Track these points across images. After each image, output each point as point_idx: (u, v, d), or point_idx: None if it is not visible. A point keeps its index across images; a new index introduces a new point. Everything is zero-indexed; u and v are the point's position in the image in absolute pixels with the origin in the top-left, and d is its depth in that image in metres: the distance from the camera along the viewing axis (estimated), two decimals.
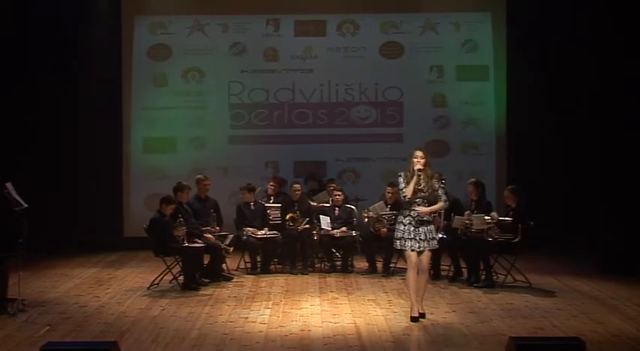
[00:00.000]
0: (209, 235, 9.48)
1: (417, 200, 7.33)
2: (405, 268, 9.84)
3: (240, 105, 12.44)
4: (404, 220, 7.39)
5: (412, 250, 7.31)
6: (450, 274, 9.50)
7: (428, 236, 7.33)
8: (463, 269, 9.37)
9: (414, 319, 7.30)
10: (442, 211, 9.26)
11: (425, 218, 7.32)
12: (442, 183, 7.54)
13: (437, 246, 7.46)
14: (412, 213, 7.33)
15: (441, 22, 12.45)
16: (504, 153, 12.29)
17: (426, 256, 7.39)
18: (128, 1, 12.40)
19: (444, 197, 7.47)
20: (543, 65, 11.94)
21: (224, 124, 12.43)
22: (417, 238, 7.31)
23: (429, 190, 7.33)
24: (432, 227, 7.39)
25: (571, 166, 11.80)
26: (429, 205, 7.34)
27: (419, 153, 7.37)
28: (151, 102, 12.38)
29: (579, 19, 11.73)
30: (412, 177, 7.30)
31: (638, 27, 11.40)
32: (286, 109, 12.47)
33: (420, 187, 7.31)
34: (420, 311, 7.41)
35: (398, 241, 7.41)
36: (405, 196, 7.34)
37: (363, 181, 12.28)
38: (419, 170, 7.29)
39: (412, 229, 7.33)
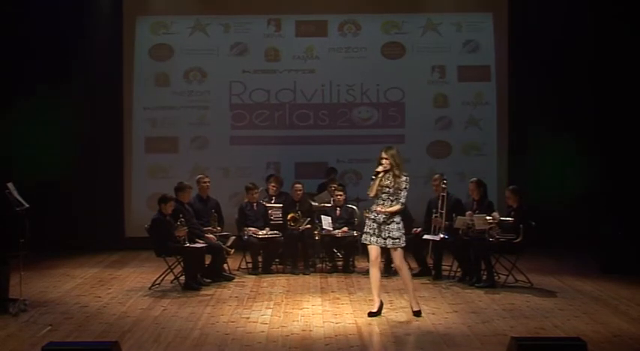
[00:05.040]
0: (210, 235, 9.49)
1: (383, 195, 7.51)
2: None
3: (242, 105, 12.44)
4: (370, 215, 7.61)
5: (372, 245, 7.52)
6: (452, 274, 9.49)
7: (388, 235, 7.47)
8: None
9: (370, 314, 7.50)
10: (443, 212, 9.34)
11: (382, 218, 7.49)
12: (406, 186, 7.52)
13: (396, 245, 7.51)
14: (373, 207, 7.56)
15: (443, 23, 12.44)
16: (506, 154, 12.28)
17: (395, 256, 7.54)
18: (130, 1, 12.41)
19: (402, 200, 7.51)
20: (545, 65, 11.94)
21: (225, 124, 12.43)
22: (380, 235, 7.49)
23: (395, 187, 7.47)
24: (393, 226, 7.48)
25: (572, 166, 11.78)
26: (393, 202, 7.50)
27: (382, 154, 7.56)
28: (152, 102, 12.38)
29: (581, 19, 11.73)
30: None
31: None
32: (287, 109, 12.47)
33: (385, 184, 7.48)
34: (416, 308, 7.54)
35: (363, 236, 7.64)
36: (367, 194, 7.58)
37: (364, 182, 12.19)
38: (377, 173, 7.50)
39: (376, 225, 7.51)
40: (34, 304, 7.97)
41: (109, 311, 7.83)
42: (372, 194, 7.51)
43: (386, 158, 7.49)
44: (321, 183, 11.48)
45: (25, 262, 7.91)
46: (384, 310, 7.73)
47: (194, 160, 12.25)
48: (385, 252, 9.73)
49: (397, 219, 7.52)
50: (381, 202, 7.50)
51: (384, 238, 7.49)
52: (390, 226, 7.48)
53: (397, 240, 7.50)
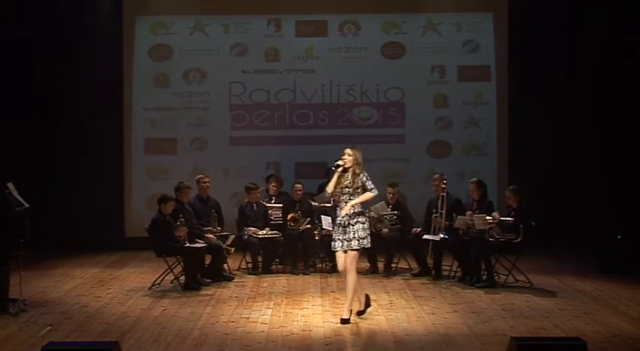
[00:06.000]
0: (210, 235, 9.49)
1: (343, 197, 7.36)
2: (407, 268, 9.99)
3: (241, 106, 12.43)
4: (337, 221, 7.44)
5: (339, 251, 7.34)
6: (452, 274, 9.49)
7: (353, 235, 7.28)
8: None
9: (359, 313, 7.41)
10: (443, 212, 9.34)
11: (347, 220, 7.30)
12: (366, 177, 7.38)
13: (361, 246, 7.32)
14: (338, 212, 7.39)
15: (443, 23, 12.43)
16: (506, 154, 12.28)
17: (348, 256, 7.33)
18: (129, 1, 12.41)
19: (371, 186, 7.35)
20: (545, 65, 11.94)
21: (225, 125, 12.42)
22: (345, 238, 7.32)
23: (354, 187, 7.33)
24: (358, 226, 7.31)
25: (572, 166, 11.79)
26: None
27: (346, 150, 7.42)
28: (152, 102, 12.37)
29: (581, 19, 11.74)
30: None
31: None
32: (287, 109, 12.46)
33: (344, 185, 7.34)
34: (344, 316, 7.30)
35: (332, 243, 7.45)
36: (325, 190, 7.47)
37: None
38: (337, 166, 7.36)
39: (341, 229, 7.35)
40: (34, 304, 7.97)
41: (109, 311, 7.82)
42: (329, 191, 7.39)
43: (350, 155, 7.37)
44: (321, 183, 11.45)
45: (25, 262, 7.91)
46: (384, 311, 7.74)
47: (194, 160, 12.23)
48: (385, 251, 9.83)
49: (362, 219, 7.35)
50: (344, 205, 7.35)
51: (349, 240, 7.29)
52: (355, 226, 7.30)
53: (363, 240, 7.31)
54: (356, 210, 7.34)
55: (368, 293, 7.68)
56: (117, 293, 8.73)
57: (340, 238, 7.35)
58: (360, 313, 7.46)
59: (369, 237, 7.39)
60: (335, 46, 12.47)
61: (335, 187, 7.38)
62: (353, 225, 7.31)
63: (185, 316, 7.58)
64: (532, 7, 12.00)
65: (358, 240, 7.30)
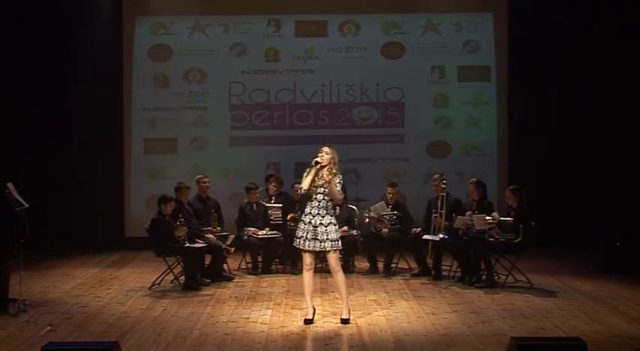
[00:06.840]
0: (210, 235, 9.49)
1: (318, 197, 7.30)
2: (406, 268, 9.98)
3: (241, 106, 12.44)
4: (305, 219, 7.36)
5: (308, 250, 7.26)
6: (452, 274, 9.49)
7: (326, 237, 7.22)
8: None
9: (306, 322, 7.26)
10: (443, 212, 9.34)
11: (319, 221, 7.25)
12: (340, 180, 7.32)
13: (335, 247, 7.26)
14: (312, 211, 7.30)
15: (443, 23, 12.44)
16: (506, 154, 12.28)
17: (331, 258, 7.30)
18: (130, 1, 12.41)
19: (338, 188, 7.26)
20: (545, 66, 11.94)
21: (225, 125, 12.42)
22: (315, 238, 7.23)
23: (329, 187, 7.26)
24: (331, 228, 7.25)
25: (572, 166, 11.80)
26: (329, 203, 7.30)
27: (325, 148, 7.38)
28: (151, 102, 12.37)
29: (581, 19, 11.74)
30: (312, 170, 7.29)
31: None
32: (287, 109, 12.46)
33: (319, 184, 7.27)
34: (345, 316, 7.29)
35: (297, 240, 7.35)
36: (301, 188, 7.41)
37: (364, 182, 12.26)
38: (316, 163, 7.27)
39: (311, 228, 7.27)
40: (34, 304, 7.97)
41: (109, 311, 7.82)
42: (305, 187, 7.27)
43: (327, 153, 7.33)
44: None
45: (25, 262, 7.90)
46: (384, 311, 7.74)
47: (194, 160, 12.23)
48: (385, 251, 9.83)
49: (334, 221, 7.32)
50: (316, 204, 7.31)
51: (322, 241, 7.23)
52: (327, 228, 7.24)
53: (335, 242, 7.25)
54: (329, 212, 7.31)
55: (310, 303, 7.46)
56: (117, 293, 8.73)
57: (310, 237, 7.26)
58: (308, 322, 7.29)
59: (340, 239, 7.34)
60: (335, 46, 12.47)
61: (310, 184, 7.31)
62: (325, 226, 7.26)
63: (185, 316, 7.58)
64: (532, 7, 12.00)
65: (331, 242, 7.24)
